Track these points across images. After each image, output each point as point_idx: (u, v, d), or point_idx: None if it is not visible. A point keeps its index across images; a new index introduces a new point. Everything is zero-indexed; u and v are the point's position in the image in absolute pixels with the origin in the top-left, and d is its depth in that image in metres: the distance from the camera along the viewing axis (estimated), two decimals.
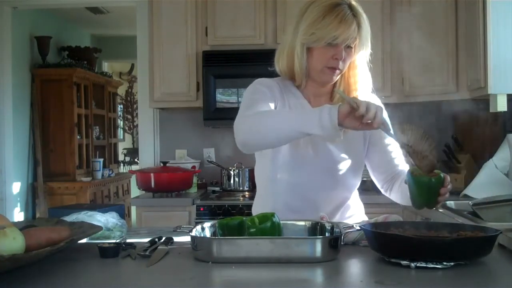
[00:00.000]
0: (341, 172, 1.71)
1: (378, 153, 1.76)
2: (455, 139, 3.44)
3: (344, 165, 1.71)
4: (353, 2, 1.63)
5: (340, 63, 1.63)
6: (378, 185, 1.81)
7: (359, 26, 1.60)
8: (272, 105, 1.65)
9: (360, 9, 1.62)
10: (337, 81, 1.71)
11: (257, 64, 3.37)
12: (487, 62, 2.62)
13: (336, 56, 1.61)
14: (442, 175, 1.41)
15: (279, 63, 1.74)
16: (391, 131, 1.43)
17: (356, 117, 1.36)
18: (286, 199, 1.72)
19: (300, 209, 1.70)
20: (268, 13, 3.59)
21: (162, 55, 3.62)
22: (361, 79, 1.71)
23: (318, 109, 1.41)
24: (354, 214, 1.79)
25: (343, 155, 1.71)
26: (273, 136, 1.50)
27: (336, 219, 1.73)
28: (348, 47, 1.62)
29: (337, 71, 1.65)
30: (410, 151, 1.41)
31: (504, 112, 2.75)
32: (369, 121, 1.36)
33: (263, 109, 1.60)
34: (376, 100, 1.78)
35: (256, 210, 1.79)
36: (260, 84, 1.71)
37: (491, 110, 2.68)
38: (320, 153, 1.69)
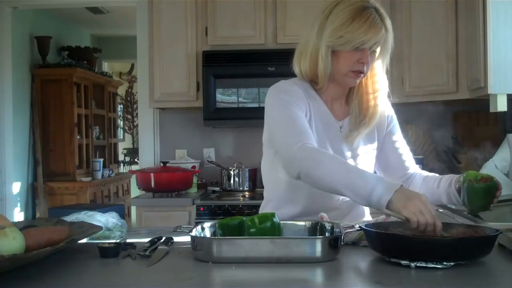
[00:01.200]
0: None
1: (391, 158, 1.78)
2: (455, 139, 3.44)
3: (362, 165, 1.72)
4: (378, 5, 1.62)
5: (365, 67, 1.62)
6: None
7: (386, 30, 1.61)
8: (304, 116, 1.64)
9: (385, 12, 1.62)
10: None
11: (257, 64, 3.38)
12: (487, 62, 2.62)
13: (362, 60, 1.60)
14: (495, 179, 1.52)
15: (302, 65, 1.70)
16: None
17: None
18: (306, 203, 1.71)
19: (316, 211, 1.67)
20: (268, 13, 3.59)
21: (162, 55, 3.62)
22: (379, 83, 1.71)
23: (371, 189, 1.39)
24: (363, 214, 1.80)
25: (361, 160, 1.73)
26: (321, 186, 1.51)
27: (347, 219, 1.72)
28: (373, 51, 1.62)
29: (361, 75, 1.65)
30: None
31: (504, 112, 2.75)
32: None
33: (311, 137, 1.58)
34: (389, 106, 1.79)
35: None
36: (286, 94, 1.67)
37: (491, 110, 2.68)
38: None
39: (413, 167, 1.79)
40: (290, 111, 1.63)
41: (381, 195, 1.38)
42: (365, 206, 1.46)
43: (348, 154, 1.71)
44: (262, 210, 1.82)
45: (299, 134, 1.57)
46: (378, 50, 1.63)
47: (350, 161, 1.71)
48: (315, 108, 1.70)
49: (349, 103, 1.74)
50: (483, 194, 1.52)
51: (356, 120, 1.71)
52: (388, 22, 1.62)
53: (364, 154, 1.74)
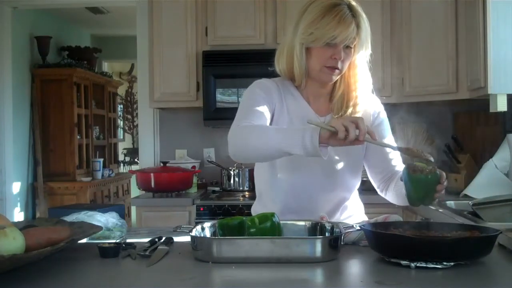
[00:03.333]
0: (340, 173, 1.72)
1: (376, 153, 1.76)
2: (455, 139, 3.44)
3: (343, 165, 1.71)
4: (353, 3, 1.63)
5: (339, 63, 1.63)
6: (375, 185, 1.81)
7: (358, 26, 1.61)
8: (268, 110, 1.65)
9: (359, 10, 1.62)
10: (336, 81, 1.71)
11: (257, 64, 3.37)
12: (487, 62, 2.62)
13: (335, 56, 1.61)
14: (438, 172, 1.42)
15: (279, 63, 1.74)
16: (378, 140, 1.44)
17: (339, 139, 1.38)
18: (285, 200, 1.72)
19: (299, 209, 1.70)
20: (268, 13, 3.59)
21: (162, 55, 3.62)
22: (361, 79, 1.71)
23: (301, 131, 1.42)
24: (353, 214, 1.80)
25: (342, 155, 1.71)
26: (258, 154, 1.53)
27: (334, 219, 1.73)
28: (347, 47, 1.62)
29: (337, 71, 1.65)
30: (405, 152, 1.44)
31: (504, 112, 2.75)
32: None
33: (256, 119, 1.60)
34: (376, 101, 1.79)
35: (255, 210, 1.80)
36: (258, 88, 1.71)
37: (491, 110, 2.68)
38: None
39: (399, 165, 1.76)
40: (252, 101, 1.66)
41: (311, 134, 1.39)
42: (305, 154, 1.42)
43: (332, 150, 1.68)
44: (253, 209, 1.84)
45: (244, 119, 1.59)
46: (354, 46, 1.63)
47: (334, 158, 1.70)
48: (294, 105, 1.71)
49: (332, 100, 1.74)
50: (418, 186, 1.43)
51: (338, 116, 1.70)
52: (362, 19, 1.62)
53: (346, 151, 1.69)
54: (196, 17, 3.62)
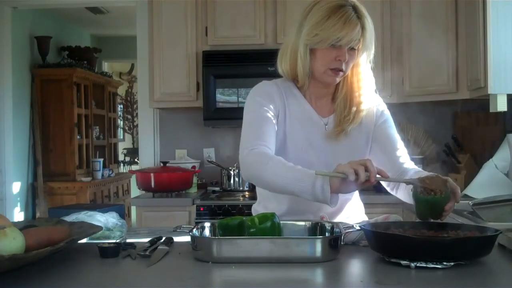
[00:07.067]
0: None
1: (383, 153, 1.75)
2: (455, 139, 3.44)
3: None
4: (357, 4, 1.63)
5: (343, 64, 1.63)
6: (384, 184, 1.80)
7: (363, 28, 1.61)
8: (274, 120, 1.67)
9: (364, 11, 1.62)
10: (339, 82, 1.71)
11: (257, 64, 3.39)
12: (487, 62, 2.62)
13: (339, 57, 1.61)
14: (449, 192, 1.43)
15: (282, 64, 1.73)
16: (391, 177, 1.52)
17: (349, 183, 1.42)
18: (290, 202, 1.71)
19: (304, 211, 1.69)
20: (268, 13, 3.59)
21: (162, 55, 3.62)
22: (364, 80, 1.71)
23: (312, 179, 1.47)
24: (353, 214, 1.79)
25: (346, 157, 1.71)
26: (269, 188, 1.61)
27: (337, 219, 1.73)
28: (352, 49, 1.62)
29: (340, 73, 1.65)
30: (421, 183, 1.47)
31: (504, 112, 2.75)
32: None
33: (268, 138, 1.63)
34: (379, 99, 1.79)
35: (257, 210, 1.79)
36: (259, 95, 1.71)
37: (491, 110, 2.68)
38: (323, 156, 1.70)
39: (408, 163, 1.75)
40: (257, 113, 1.67)
41: (322, 183, 1.46)
42: (313, 201, 1.49)
43: (333, 151, 1.70)
44: (254, 209, 1.83)
45: (256, 139, 1.62)
46: (358, 48, 1.63)
47: (336, 158, 1.67)
48: (296, 106, 1.71)
49: (335, 101, 1.74)
50: (427, 206, 1.45)
51: (341, 116, 1.71)
52: (367, 20, 1.62)
53: (350, 152, 1.70)
54: (196, 17, 3.62)
